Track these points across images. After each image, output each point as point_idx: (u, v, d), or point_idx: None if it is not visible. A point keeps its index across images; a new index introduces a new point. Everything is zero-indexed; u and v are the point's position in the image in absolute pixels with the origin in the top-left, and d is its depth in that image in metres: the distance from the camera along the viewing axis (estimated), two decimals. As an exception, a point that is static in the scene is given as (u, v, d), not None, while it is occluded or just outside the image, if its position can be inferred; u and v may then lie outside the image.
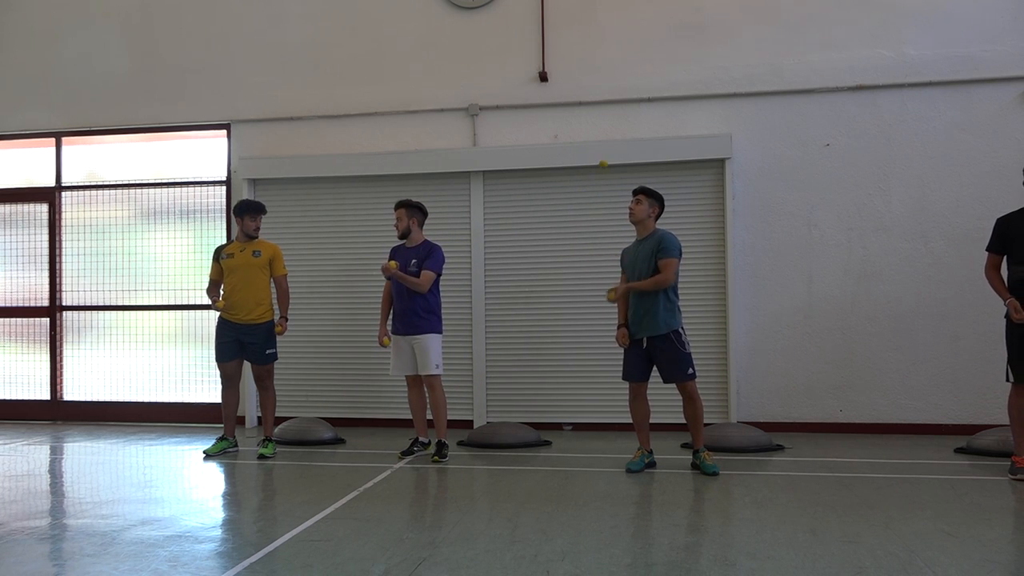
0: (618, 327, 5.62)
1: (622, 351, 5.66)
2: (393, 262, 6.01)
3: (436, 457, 5.92)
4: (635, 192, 5.61)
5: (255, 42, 7.94)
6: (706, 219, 7.10)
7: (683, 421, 5.64)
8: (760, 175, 7.10)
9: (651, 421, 5.66)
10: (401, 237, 6.22)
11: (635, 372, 5.53)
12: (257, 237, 6.40)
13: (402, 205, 6.20)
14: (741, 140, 7.12)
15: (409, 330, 6.04)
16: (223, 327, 6.34)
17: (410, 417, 6.40)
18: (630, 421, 5.74)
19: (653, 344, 5.43)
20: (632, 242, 5.70)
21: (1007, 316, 5.16)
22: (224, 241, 7.80)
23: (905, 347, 6.87)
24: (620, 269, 5.76)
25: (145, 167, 8.22)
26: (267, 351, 6.33)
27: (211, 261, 6.47)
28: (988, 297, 5.70)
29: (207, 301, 7.47)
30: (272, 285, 6.43)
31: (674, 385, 5.48)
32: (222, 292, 6.37)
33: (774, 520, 4.26)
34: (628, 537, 4.06)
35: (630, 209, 5.57)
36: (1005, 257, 5.30)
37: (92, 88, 8.20)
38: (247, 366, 6.54)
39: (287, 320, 6.43)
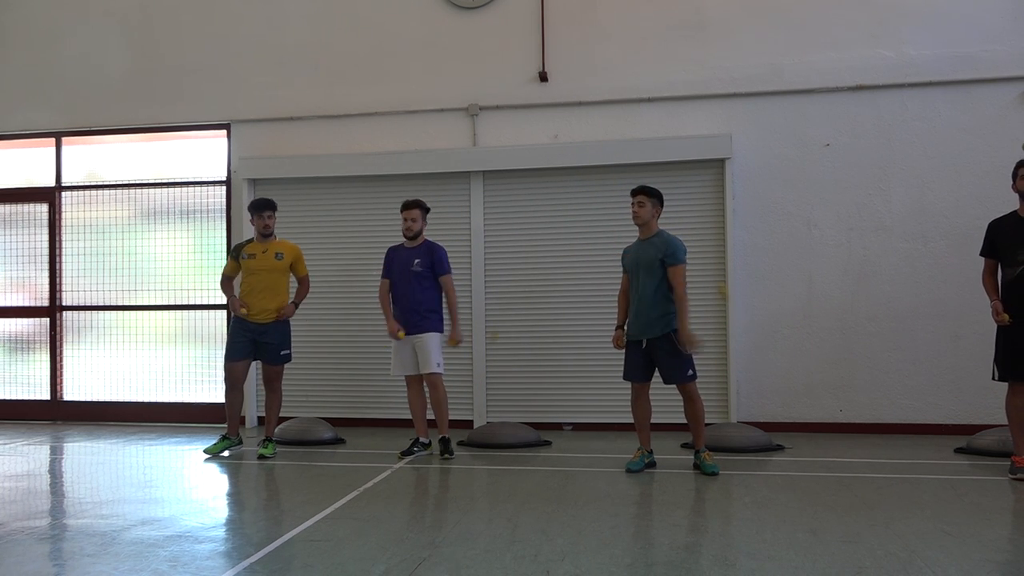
0: (616, 328, 5.63)
1: (620, 351, 5.65)
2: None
3: (445, 455, 5.94)
4: (635, 192, 5.56)
5: (255, 42, 7.94)
6: (706, 219, 7.09)
7: (683, 421, 5.64)
8: (760, 175, 7.10)
9: (653, 421, 5.66)
10: (413, 238, 6.20)
11: (636, 372, 5.53)
12: (271, 235, 6.37)
13: (417, 206, 6.17)
14: (741, 140, 7.11)
15: (411, 329, 6.05)
16: (238, 326, 6.30)
17: (410, 417, 6.39)
18: (630, 421, 5.74)
19: (653, 345, 5.42)
20: (634, 242, 5.69)
21: None
22: (224, 241, 7.83)
23: (905, 347, 6.87)
24: (622, 269, 5.73)
25: (145, 167, 8.22)
26: (282, 351, 6.32)
27: (228, 256, 6.42)
28: (987, 297, 5.70)
29: (207, 301, 7.52)
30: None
31: (674, 386, 5.48)
32: (238, 291, 6.36)
33: (774, 520, 4.26)
34: (628, 537, 4.06)
35: (634, 212, 5.52)
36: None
37: (92, 88, 8.19)
38: (253, 370, 6.51)
39: (296, 306, 6.38)
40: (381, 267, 6.34)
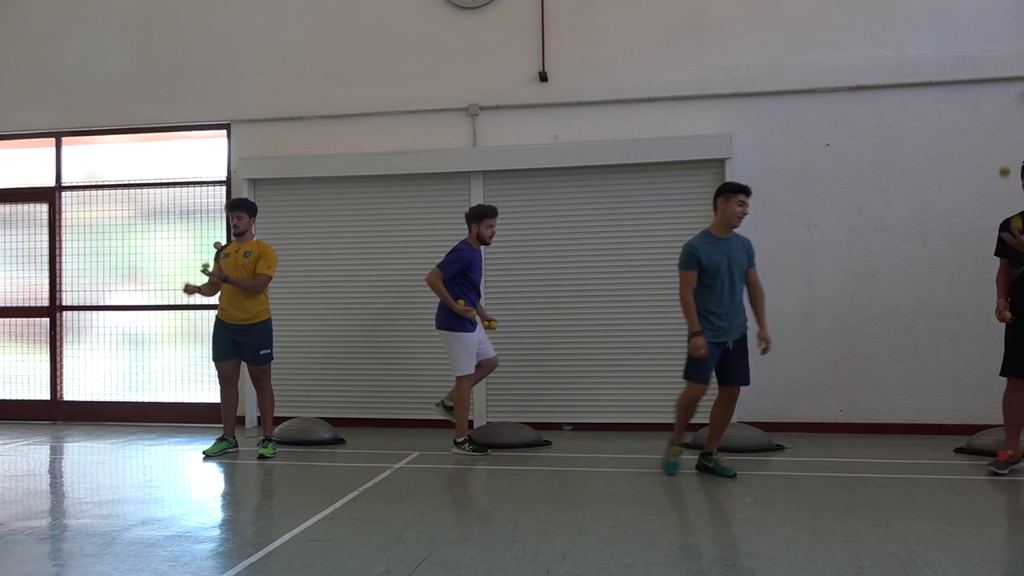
0: (695, 335, 5.17)
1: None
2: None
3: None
4: (747, 192, 5.35)
5: (255, 42, 7.94)
6: (706, 219, 6.95)
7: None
8: (760, 175, 7.08)
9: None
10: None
11: (709, 374, 5.32)
12: (244, 234, 6.33)
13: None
14: (741, 140, 7.11)
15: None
16: (219, 327, 6.32)
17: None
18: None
19: (736, 345, 5.32)
20: (701, 238, 5.39)
21: None
22: (224, 242, 7.80)
23: (905, 347, 6.87)
24: (688, 267, 5.29)
25: (145, 167, 8.22)
26: (262, 351, 6.29)
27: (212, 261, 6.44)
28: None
29: (207, 301, 7.47)
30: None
31: (718, 388, 5.39)
32: (219, 293, 6.34)
33: (774, 520, 4.26)
34: (628, 537, 4.06)
35: (742, 212, 5.31)
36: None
37: (92, 88, 8.19)
38: (245, 369, 6.52)
39: (217, 279, 6.05)
40: (440, 263, 6.21)
